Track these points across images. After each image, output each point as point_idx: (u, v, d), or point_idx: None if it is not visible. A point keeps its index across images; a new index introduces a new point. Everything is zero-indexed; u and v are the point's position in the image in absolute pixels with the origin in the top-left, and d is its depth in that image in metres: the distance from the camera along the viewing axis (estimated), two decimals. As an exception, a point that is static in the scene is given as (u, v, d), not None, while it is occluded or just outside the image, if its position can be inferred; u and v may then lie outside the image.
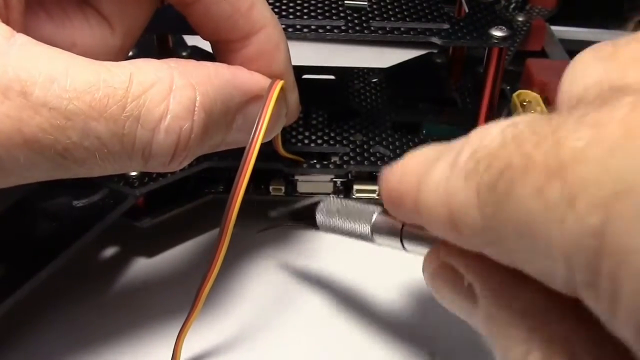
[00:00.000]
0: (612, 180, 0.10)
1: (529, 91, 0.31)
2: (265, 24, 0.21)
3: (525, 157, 0.12)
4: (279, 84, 0.21)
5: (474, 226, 0.13)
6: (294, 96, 0.24)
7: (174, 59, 0.19)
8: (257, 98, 0.21)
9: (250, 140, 0.20)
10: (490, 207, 0.12)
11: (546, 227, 0.11)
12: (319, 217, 0.23)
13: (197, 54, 0.33)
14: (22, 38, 0.16)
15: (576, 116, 0.11)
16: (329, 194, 0.28)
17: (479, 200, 0.13)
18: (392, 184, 0.17)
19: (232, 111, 0.20)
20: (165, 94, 0.18)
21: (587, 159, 0.11)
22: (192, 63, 0.19)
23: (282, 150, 0.26)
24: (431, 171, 0.14)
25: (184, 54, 0.33)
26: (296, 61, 0.24)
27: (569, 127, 0.11)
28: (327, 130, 0.29)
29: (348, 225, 0.22)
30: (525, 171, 0.12)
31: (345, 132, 0.29)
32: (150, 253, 0.28)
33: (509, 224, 0.12)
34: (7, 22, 0.17)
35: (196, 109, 0.18)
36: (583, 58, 0.14)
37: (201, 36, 0.22)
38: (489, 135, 0.13)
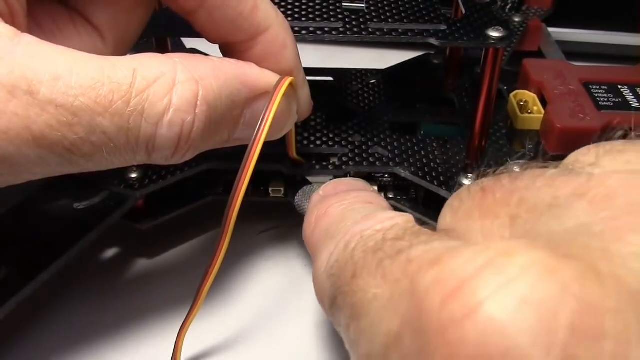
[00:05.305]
0: (372, 342, 0.13)
1: (526, 91, 0.31)
2: (271, 24, 0.21)
3: (342, 292, 0.15)
4: (287, 81, 0.21)
5: (327, 312, 0.17)
6: (305, 92, 0.24)
7: (179, 54, 0.19)
8: (267, 94, 0.21)
9: (254, 134, 0.20)
10: (331, 312, 0.17)
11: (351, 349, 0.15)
12: (297, 199, 0.25)
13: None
14: (26, 37, 0.17)
15: (380, 258, 0.14)
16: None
17: (328, 301, 0.17)
18: (307, 237, 0.22)
19: (239, 106, 0.20)
20: (169, 89, 0.18)
21: (367, 314, 0.14)
22: (197, 57, 0.19)
23: (293, 151, 0.26)
24: (321, 254, 0.18)
25: (183, 52, 0.34)
26: (295, 63, 0.24)
27: (371, 269, 0.14)
28: (325, 132, 0.29)
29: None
30: (344, 303, 0.15)
31: (343, 133, 0.29)
32: (151, 254, 0.28)
33: (339, 326, 0.16)
34: (12, 25, 0.17)
35: (198, 102, 0.18)
36: (446, 205, 0.17)
37: (207, 40, 0.22)
38: (348, 247, 0.16)
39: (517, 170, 0.15)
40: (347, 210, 0.20)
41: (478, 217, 0.15)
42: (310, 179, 0.28)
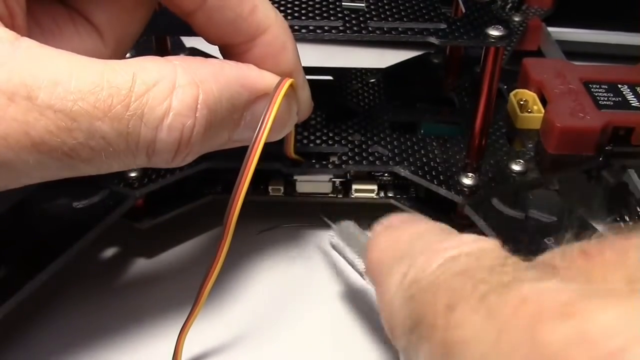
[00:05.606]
0: None
1: (526, 90, 0.31)
2: (270, 25, 0.21)
3: (428, 323, 0.14)
4: (287, 82, 0.21)
5: (398, 337, 0.16)
6: (305, 93, 0.24)
7: (179, 57, 0.19)
8: (267, 96, 0.21)
9: (255, 135, 0.20)
10: (406, 338, 0.15)
11: None
12: (335, 239, 0.24)
13: (196, 56, 0.33)
14: (26, 42, 0.17)
15: (484, 291, 0.13)
16: (327, 194, 0.28)
17: (402, 327, 0.15)
18: (372, 261, 0.19)
19: (240, 109, 0.20)
20: (168, 92, 0.18)
21: (468, 355, 0.12)
22: (196, 60, 0.19)
23: (291, 151, 0.26)
24: (390, 276, 0.17)
25: (182, 55, 0.34)
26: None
27: (471, 302, 0.13)
28: (325, 131, 0.29)
29: (351, 255, 0.23)
30: (430, 337, 0.14)
31: (343, 132, 0.29)
32: (150, 254, 0.28)
33: (412, 353, 0.15)
34: (11, 28, 0.17)
35: (199, 106, 0.18)
36: (538, 263, 0.15)
37: (207, 41, 0.22)
38: (429, 268, 0.15)
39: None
40: (422, 234, 0.18)
41: (584, 281, 0.13)
42: (309, 178, 0.28)
